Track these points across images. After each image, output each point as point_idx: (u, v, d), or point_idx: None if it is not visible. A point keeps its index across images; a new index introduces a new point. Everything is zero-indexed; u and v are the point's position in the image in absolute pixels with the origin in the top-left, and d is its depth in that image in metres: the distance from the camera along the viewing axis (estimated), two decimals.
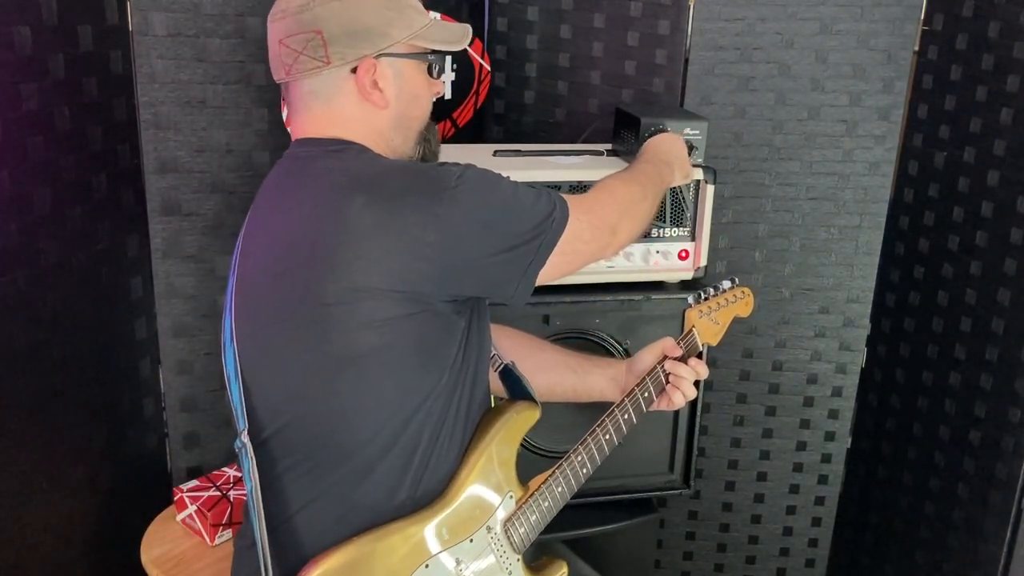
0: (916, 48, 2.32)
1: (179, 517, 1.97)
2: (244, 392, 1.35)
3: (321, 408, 1.30)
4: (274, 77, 1.39)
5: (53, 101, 1.77)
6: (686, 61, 2.17)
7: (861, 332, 2.38)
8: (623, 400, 1.57)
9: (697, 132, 1.95)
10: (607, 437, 1.55)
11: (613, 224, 1.45)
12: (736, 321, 2.31)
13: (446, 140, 2.24)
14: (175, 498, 1.97)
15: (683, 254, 2.00)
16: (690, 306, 1.69)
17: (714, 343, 1.73)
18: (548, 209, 1.33)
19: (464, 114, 2.30)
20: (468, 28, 1.45)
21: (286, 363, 1.30)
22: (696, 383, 1.62)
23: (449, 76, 2.21)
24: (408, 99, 1.39)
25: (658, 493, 2.15)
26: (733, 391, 2.40)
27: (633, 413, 1.58)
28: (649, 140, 1.81)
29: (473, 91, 2.31)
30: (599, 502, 2.11)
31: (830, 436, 2.44)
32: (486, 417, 1.47)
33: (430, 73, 1.42)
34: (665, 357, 1.62)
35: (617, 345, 2.00)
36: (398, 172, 1.31)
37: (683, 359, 1.62)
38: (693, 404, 2.07)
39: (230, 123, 1.96)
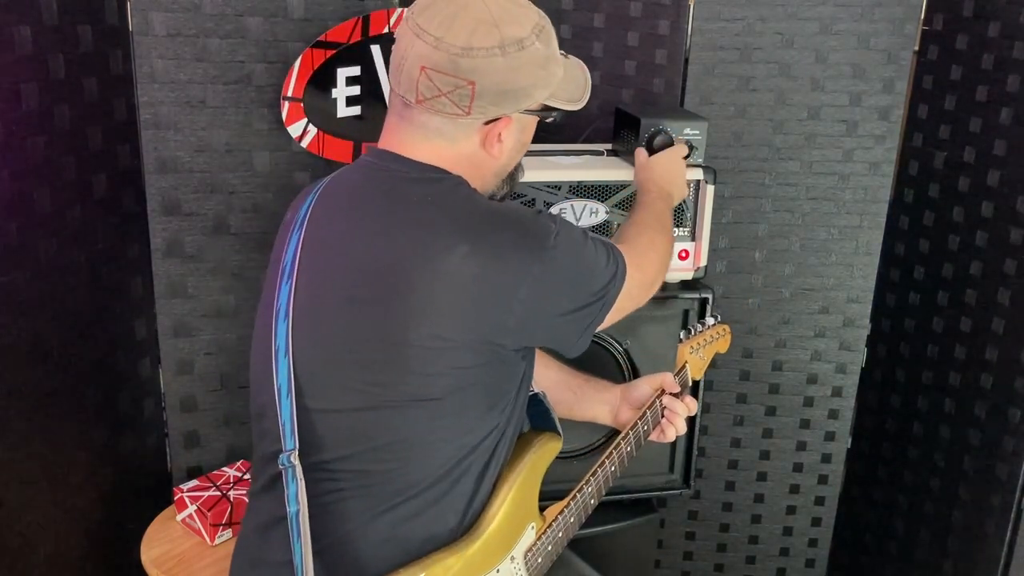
0: (916, 48, 2.32)
1: (179, 517, 1.97)
2: (297, 410, 1.30)
3: (387, 442, 1.28)
4: (395, 87, 1.33)
5: (53, 101, 1.77)
6: (686, 61, 2.17)
7: (861, 332, 2.38)
8: (627, 433, 1.60)
9: (697, 132, 1.95)
10: (612, 469, 1.58)
11: (653, 279, 1.52)
12: (734, 322, 2.32)
13: None
14: (175, 498, 1.97)
15: (683, 254, 2.00)
16: (681, 342, 1.74)
17: (698, 378, 1.79)
18: (613, 269, 1.36)
19: None
20: (588, 77, 1.45)
21: (356, 393, 1.28)
22: (691, 420, 1.69)
23: None
24: (519, 149, 1.41)
25: (658, 493, 2.16)
26: (733, 391, 2.40)
27: (635, 446, 1.62)
28: (653, 165, 1.81)
29: None
30: (599, 502, 2.10)
31: (830, 436, 2.44)
32: (517, 447, 1.47)
33: (544, 119, 1.43)
34: (663, 391, 1.65)
35: (617, 345, 2.00)
36: (500, 221, 1.29)
37: (679, 395, 1.66)
38: None
39: (230, 123, 1.96)
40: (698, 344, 1.76)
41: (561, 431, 1.54)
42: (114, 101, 1.93)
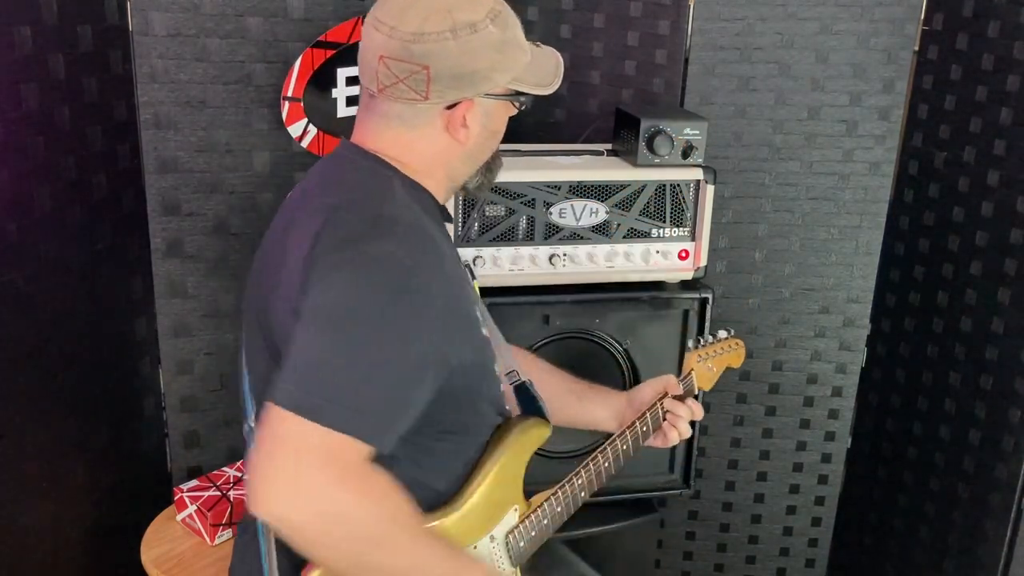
0: (916, 48, 2.32)
1: (179, 517, 1.97)
2: (256, 405, 1.35)
3: None
4: (361, 81, 1.36)
5: (53, 101, 1.77)
6: (686, 61, 2.17)
7: (861, 332, 2.38)
8: (623, 431, 1.61)
9: (697, 132, 1.95)
10: (606, 465, 1.58)
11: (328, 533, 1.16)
12: (734, 322, 2.31)
13: None
14: (175, 498, 1.97)
15: (683, 254, 2.00)
16: (690, 350, 1.73)
17: (707, 388, 1.76)
18: (314, 401, 1.15)
19: None
20: (560, 63, 1.43)
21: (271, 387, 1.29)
22: (691, 424, 1.66)
23: None
24: (489, 136, 1.40)
25: (658, 493, 2.16)
26: (733, 391, 2.40)
27: (631, 444, 1.61)
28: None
29: None
30: (599, 502, 2.10)
31: (830, 436, 2.44)
32: (501, 430, 1.47)
33: (514, 105, 1.42)
34: (666, 394, 1.65)
35: (617, 345, 2.00)
36: (362, 241, 1.24)
37: (682, 398, 1.65)
38: None
39: (230, 123, 1.96)
40: (707, 354, 1.74)
41: (549, 418, 1.54)
42: (114, 101, 1.93)
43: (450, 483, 1.40)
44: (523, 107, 1.41)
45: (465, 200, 1.87)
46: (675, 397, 1.65)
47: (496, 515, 1.45)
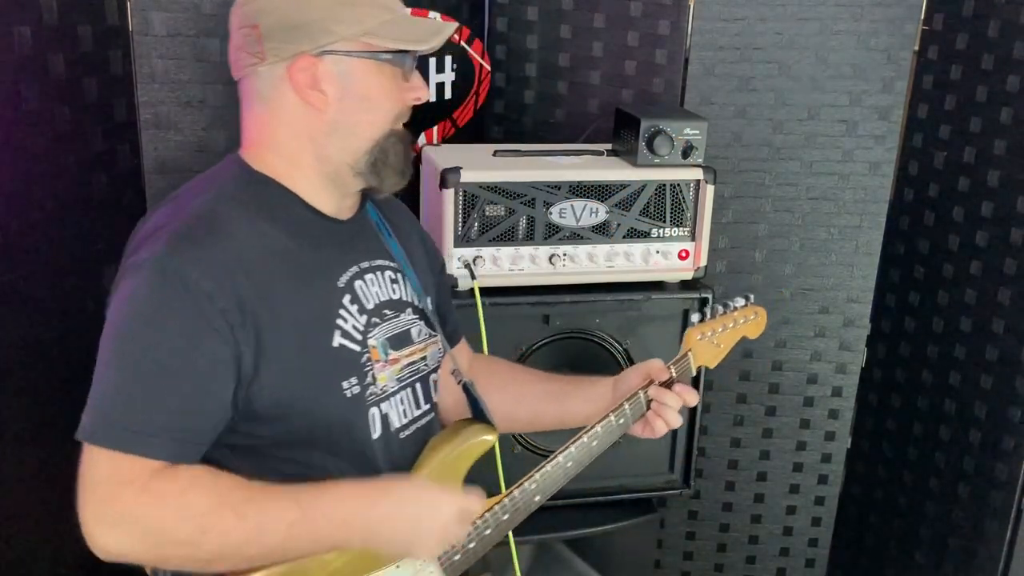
0: (916, 48, 2.32)
1: None
2: None
3: None
4: (232, 74, 1.32)
5: (53, 101, 1.77)
6: (686, 61, 2.17)
7: (861, 332, 2.38)
8: (593, 426, 1.45)
9: (697, 132, 1.95)
10: (569, 465, 1.44)
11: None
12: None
13: (446, 139, 2.24)
14: None
15: (683, 254, 2.00)
16: (692, 325, 1.56)
17: (712, 366, 1.60)
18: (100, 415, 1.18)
19: (464, 114, 2.30)
20: (441, 27, 1.31)
21: None
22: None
23: (449, 76, 2.21)
24: (354, 103, 1.27)
25: (658, 493, 2.15)
26: (733, 391, 2.40)
27: (604, 439, 1.47)
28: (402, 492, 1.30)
29: (473, 91, 2.31)
30: (599, 502, 2.11)
31: (830, 436, 2.44)
32: (434, 441, 1.41)
33: (404, 76, 1.30)
34: (651, 381, 1.50)
35: (617, 345, 2.00)
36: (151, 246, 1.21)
37: (670, 384, 1.50)
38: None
39: (230, 123, 1.95)
40: (712, 330, 1.56)
41: (493, 420, 1.44)
42: (114, 101, 1.93)
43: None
44: (407, 71, 1.29)
45: (465, 200, 1.87)
46: (663, 383, 1.49)
47: None
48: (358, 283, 1.34)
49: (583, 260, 1.95)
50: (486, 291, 1.86)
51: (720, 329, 1.58)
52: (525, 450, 2.00)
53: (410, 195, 2.18)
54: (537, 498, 1.42)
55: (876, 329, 2.53)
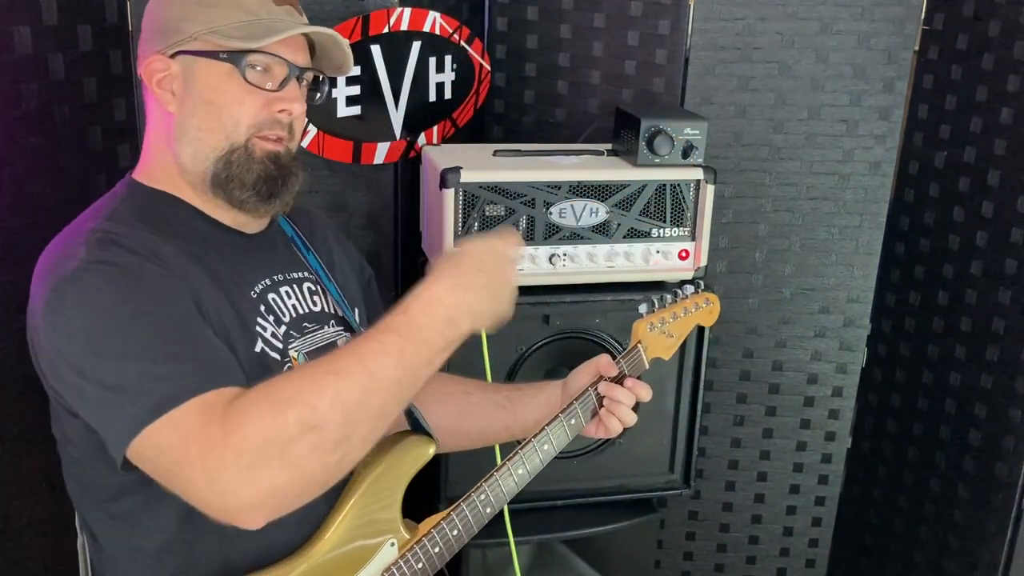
0: (916, 48, 2.32)
1: None
2: None
3: None
4: None
5: (53, 101, 1.77)
6: (686, 61, 2.17)
7: (861, 332, 2.38)
8: (543, 429, 1.39)
9: (697, 132, 1.95)
10: (520, 472, 1.37)
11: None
12: (734, 322, 2.31)
13: (446, 139, 2.24)
14: None
15: (683, 254, 2.00)
16: (640, 317, 1.50)
17: (667, 358, 1.55)
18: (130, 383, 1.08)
19: (464, 114, 2.30)
20: (288, 24, 1.23)
21: None
22: (637, 407, 1.45)
23: (449, 76, 2.21)
24: (196, 105, 1.20)
25: (658, 493, 2.15)
26: (733, 391, 2.40)
27: (555, 443, 1.41)
28: (457, 265, 1.17)
29: (473, 91, 2.30)
30: (599, 502, 2.11)
31: (830, 436, 2.44)
32: (368, 456, 1.22)
33: (249, 80, 1.20)
34: (600, 378, 1.45)
35: (617, 345, 2.00)
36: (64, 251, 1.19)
37: (620, 379, 1.45)
38: (693, 404, 2.07)
39: None
40: (662, 319, 1.50)
41: (431, 431, 1.37)
42: (114, 101, 1.93)
43: (280, 535, 1.22)
44: (253, 75, 1.21)
45: (465, 200, 1.87)
46: (613, 379, 1.44)
47: (364, 556, 1.28)
48: (271, 295, 1.28)
49: (583, 260, 1.95)
50: None
51: (671, 318, 1.52)
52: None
53: (410, 195, 2.19)
54: (488, 510, 1.35)
55: (876, 329, 2.53)
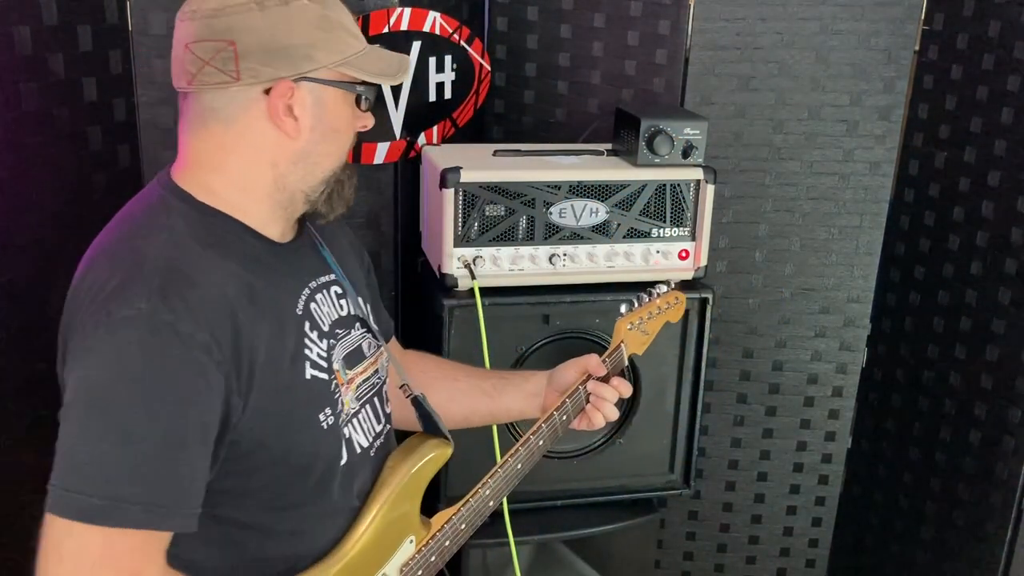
0: (916, 48, 2.32)
1: None
2: None
3: None
4: (174, 84, 1.25)
5: (53, 101, 1.77)
6: (686, 61, 2.17)
7: (861, 332, 2.38)
8: (539, 426, 1.48)
9: (697, 132, 1.95)
10: (519, 466, 1.46)
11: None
12: (734, 322, 2.31)
13: (446, 139, 2.24)
14: None
15: (683, 254, 2.00)
16: (621, 316, 1.59)
17: (640, 353, 1.63)
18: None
19: (464, 114, 2.30)
20: (406, 60, 1.31)
21: None
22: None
23: (449, 76, 2.21)
24: (325, 132, 1.23)
25: (658, 493, 2.16)
26: (733, 391, 2.40)
27: (549, 438, 1.49)
28: None
29: (473, 91, 2.30)
30: (599, 502, 2.11)
31: (830, 436, 2.44)
32: (392, 460, 1.40)
33: (358, 105, 1.27)
34: (588, 376, 1.52)
35: None
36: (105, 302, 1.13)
37: (606, 378, 1.53)
38: (693, 404, 2.07)
39: None
40: (640, 318, 1.60)
41: (448, 434, 1.43)
42: (114, 101, 1.93)
43: (318, 540, 1.30)
44: (366, 103, 1.27)
45: (465, 200, 1.87)
46: (600, 377, 1.52)
47: (387, 553, 1.36)
48: (312, 306, 1.30)
49: (583, 260, 1.95)
50: (486, 291, 1.86)
51: (647, 317, 1.61)
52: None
53: (410, 195, 2.19)
54: (491, 503, 1.44)
55: (876, 329, 2.53)
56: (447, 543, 1.40)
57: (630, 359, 2.00)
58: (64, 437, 1.06)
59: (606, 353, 1.55)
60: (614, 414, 1.53)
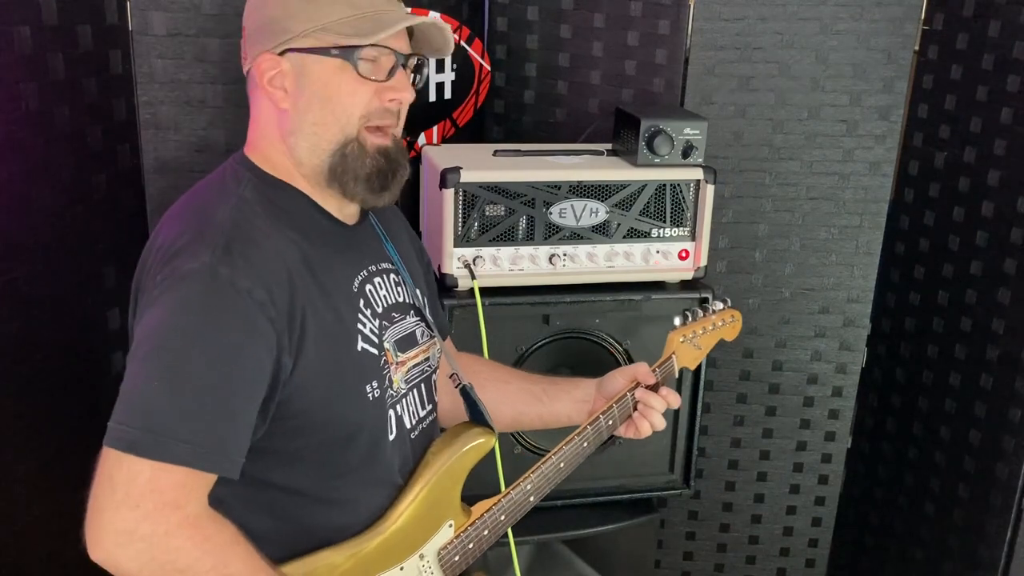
0: (916, 48, 2.32)
1: None
2: None
3: None
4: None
5: (53, 101, 1.77)
6: (686, 61, 2.17)
7: (861, 332, 2.38)
8: (584, 427, 1.51)
9: (697, 132, 1.95)
10: (562, 465, 1.49)
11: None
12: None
13: (446, 139, 2.24)
14: None
15: (683, 254, 2.00)
16: (675, 328, 1.61)
17: (692, 368, 1.66)
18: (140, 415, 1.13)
19: (464, 114, 2.30)
20: (395, 16, 1.26)
21: None
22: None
23: (449, 76, 2.21)
24: (311, 101, 1.24)
25: (658, 493, 2.16)
26: (733, 391, 2.40)
27: (593, 441, 1.51)
28: None
29: (473, 91, 2.31)
30: (599, 502, 2.11)
31: (830, 436, 2.44)
32: (437, 444, 1.45)
33: (362, 73, 1.25)
34: (637, 384, 1.54)
35: (617, 345, 2.00)
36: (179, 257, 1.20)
37: (655, 387, 1.55)
38: (693, 404, 2.07)
39: (230, 123, 1.96)
40: (693, 332, 1.62)
41: (493, 424, 1.47)
42: (114, 101, 1.93)
43: (361, 512, 1.34)
44: (366, 68, 1.24)
45: (465, 200, 1.87)
46: (649, 386, 1.54)
47: (426, 534, 1.40)
48: (368, 287, 1.35)
49: (583, 260, 1.95)
50: (486, 291, 1.87)
51: (701, 332, 1.64)
52: (525, 450, 2.00)
53: (410, 195, 2.19)
54: (532, 498, 1.47)
55: (876, 329, 2.53)
56: (485, 532, 1.43)
57: (628, 356, 2.00)
58: (126, 379, 1.14)
59: (656, 363, 1.58)
60: (661, 424, 1.54)
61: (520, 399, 1.62)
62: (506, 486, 1.47)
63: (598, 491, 2.09)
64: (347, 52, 1.23)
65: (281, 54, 1.24)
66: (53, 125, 1.78)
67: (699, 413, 2.08)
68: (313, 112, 1.25)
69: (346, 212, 1.35)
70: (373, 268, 1.38)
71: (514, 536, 1.82)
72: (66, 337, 1.89)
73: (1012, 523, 2.10)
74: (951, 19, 2.30)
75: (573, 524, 2.09)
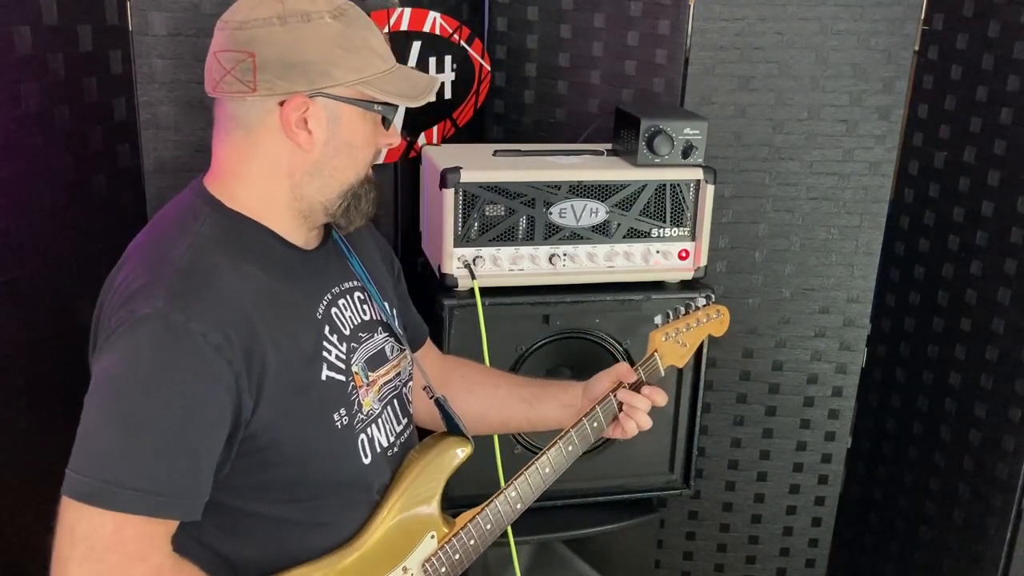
0: (916, 48, 2.32)
1: None
2: None
3: None
4: (205, 88, 1.29)
5: (53, 101, 1.77)
6: (686, 61, 2.17)
7: (861, 332, 2.38)
8: (568, 431, 1.50)
9: (697, 132, 1.95)
10: (547, 470, 1.48)
11: None
12: (734, 322, 2.30)
13: (446, 139, 2.24)
14: None
15: (683, 254, 2.00)
16: (656, 327, 1.61)
17: (680, 365, 1.65)
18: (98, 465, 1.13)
19: (464, 114, 2.30)
20: (433, 82, 1.33)
21: None
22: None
23: (449, 76, 2.21)
24: (339, 147, 1.27)
25: (658, 493, 2.16)
26: (733, 391, 2.40)
27: (579, 444, 1.51)
28: None
29: (473, 91, 2.31)
30: (599, 502, 2.11)
31: (830, 436, 2.44)
32: (412, 455, 1.45)
33: (384, 124, 1.32)
34: (620, 384, 1.54)
35: (617, 345, 2.00)
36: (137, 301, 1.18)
37: (638, 386, 1.54)
38: (693, 404, 2.08)
39: None
40: (676, 329, 1.61)
41: (467, 434, 1.47)
42: (114, 101, 1.93)
43: (340, 532, 1.34)
44: (385, 118, 1.31)
45: (465, 200, 1.87)
46: (631, 385, 1.53)
47: (407, 546, 1.39)
48: (334, 311, 1.34)
49: (583, 260, 1.95)
50: (486, 291, 1.87)
51: (684, 328, 1.63)
52: (525, 450, 2.00)
53: (410, 195, 2.19)
54: (519, 506, 1.47)
55: (876, 329, 2.53)
56: (471, 542, 1.42)
57: (628, 356, 2.00)
58: (82, 423, 1.15)
59: (639, 362, 1.57)
60: (647, 423, 1.54)
61: (509, 403, 1.62)
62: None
63: (598, 491, 2.09)
64: (388, 109, 1.29)
65: (311, 96, 1.23)
66: (53, 125, 1.78)
67: (699, 413, 2.08)
68: (339, 157, 1.28)
69: (309, 237, 1.35)
70: (337, 290, 1.37)
71: (514, 536, 1.82)
72: (66, 337, 1.89)
73: (1012, 523, 2.11)
74: (951, 19, 2.30)
75: (573, 524, 2.09)
